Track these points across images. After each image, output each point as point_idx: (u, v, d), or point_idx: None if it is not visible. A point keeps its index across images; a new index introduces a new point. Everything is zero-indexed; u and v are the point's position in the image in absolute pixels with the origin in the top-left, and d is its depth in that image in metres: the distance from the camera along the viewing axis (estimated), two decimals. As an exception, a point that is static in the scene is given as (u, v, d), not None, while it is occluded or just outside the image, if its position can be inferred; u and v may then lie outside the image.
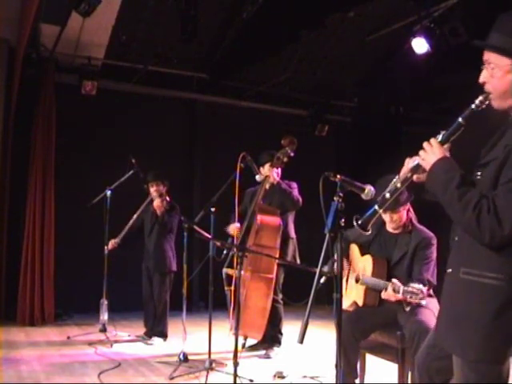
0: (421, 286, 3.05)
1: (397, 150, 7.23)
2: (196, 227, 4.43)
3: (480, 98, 1.99)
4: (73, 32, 6.28)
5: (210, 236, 4.45)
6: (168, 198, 5.72)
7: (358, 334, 3.43)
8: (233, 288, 4.39)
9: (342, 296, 2.23)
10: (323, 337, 5.78)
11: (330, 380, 4.19)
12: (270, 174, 4.89)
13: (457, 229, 2.09)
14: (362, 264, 3.57)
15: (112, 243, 5.80)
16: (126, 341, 5.61)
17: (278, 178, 4.98)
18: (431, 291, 3.39)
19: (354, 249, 3.71)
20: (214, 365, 4.40)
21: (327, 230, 2.22)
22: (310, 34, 7.17)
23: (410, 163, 2.12)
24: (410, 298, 3.02)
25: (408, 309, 3.17)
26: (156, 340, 5.56)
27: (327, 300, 3.49)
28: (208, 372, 4.20)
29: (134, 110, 7.50)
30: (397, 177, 2.15)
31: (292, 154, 4.80)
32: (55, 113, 6.69)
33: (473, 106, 2.00)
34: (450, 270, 2.08)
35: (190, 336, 4.77)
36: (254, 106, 8.38)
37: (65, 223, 6.74)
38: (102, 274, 5.89)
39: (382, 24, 7.07)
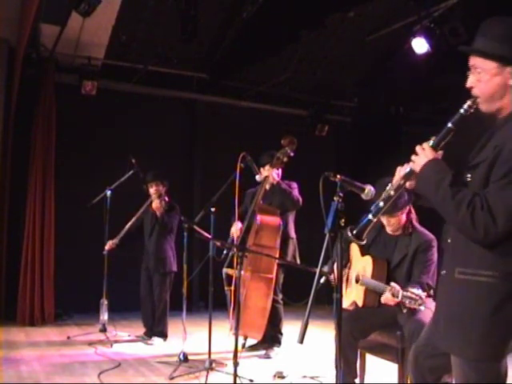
0: (420, 292, 3.04)
1: (397, 150, 7.24)
2: (196, 227, 4.43)
3: (468, 102, 2.01)
4: (73, 32, 6.28)
5: (210, 236, 4.45)
6: (167, 198, 5.72)
7: (357, 334, 3.44)
8: (233, 288, 4.39)
9: (342, 296, 2.23)
10: (323, 337, 5.77)
11: (330, 380, 4.19)
12: (269, 174, 4.89)
13: (449, 230, 2.09)
14: (362, 264, 3.56)
15: (110, 244, 5.79)
16: (126, 341, 5.61)
17: (277, 178, 4.98)
18: (431, 291, 3.39)
19: (354, 249, 3.70)
20: (214, 365, 4.39)
21: (327, 230, 2.21)
22: (310, 34, 7.18)
23: (401, 171, 2.13)
24: (409, 303, 3.02)
25: (405, 311, 3.16)
26: (156, 340, 5.56)
27: (327, 300, 3.49)
28: (208, 372, 4.20)
29: (133, 109, 7.50)
30: (390, 185, 2.17)
31: (292, 154, 4.80)
32: (55, 113, 6.69)
33: (461, 110, 2.02)
34: (444, 272, 2.09)
35: (189, 336, 4.76)
36: (254, 105, 8.38)
37: (65, 223, 6.74)
38: (102, 274, 5.88)
39: (382, 24, 7.07)
